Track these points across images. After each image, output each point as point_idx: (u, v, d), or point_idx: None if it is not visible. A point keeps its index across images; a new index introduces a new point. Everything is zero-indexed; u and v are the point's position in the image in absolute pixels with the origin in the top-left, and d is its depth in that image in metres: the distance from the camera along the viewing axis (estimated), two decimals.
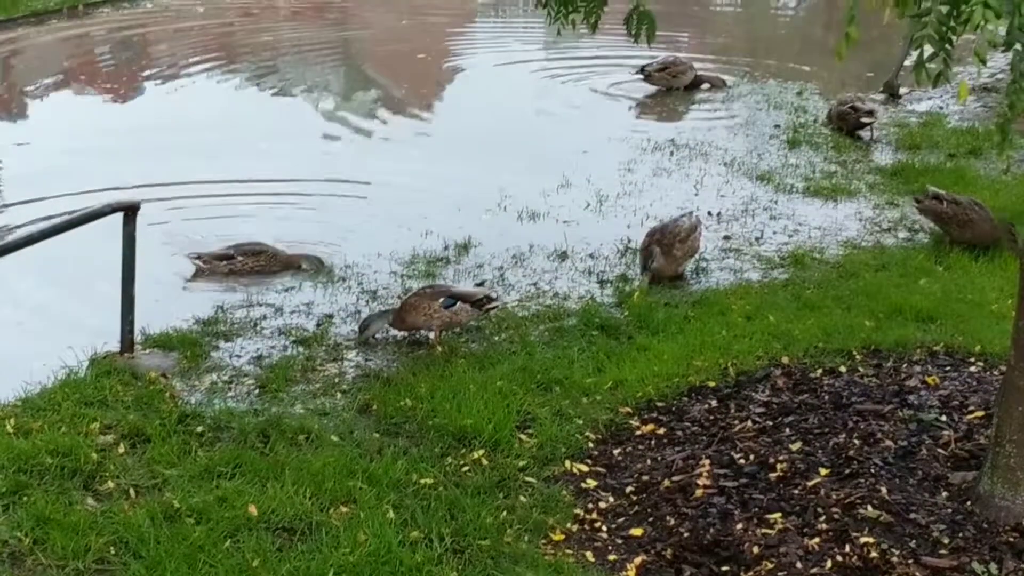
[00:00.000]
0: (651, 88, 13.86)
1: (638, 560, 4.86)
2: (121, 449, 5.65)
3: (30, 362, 6.65)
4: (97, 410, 5.98)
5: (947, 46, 4.06)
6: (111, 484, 5.36)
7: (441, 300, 6.97)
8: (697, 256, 8.28)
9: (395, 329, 7.14)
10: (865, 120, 11.48)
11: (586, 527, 5.13)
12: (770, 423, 5.85)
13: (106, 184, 9.54)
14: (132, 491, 5.32)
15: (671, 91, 13.69)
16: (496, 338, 7.14)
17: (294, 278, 8.13)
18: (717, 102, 13.42)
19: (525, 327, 7.27)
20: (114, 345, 6.76)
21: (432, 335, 7.08)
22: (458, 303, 7.00)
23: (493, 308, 7.20)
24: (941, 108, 12.74)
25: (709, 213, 9.47)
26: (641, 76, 13.72)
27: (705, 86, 13.89)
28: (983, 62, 4.17)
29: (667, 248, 7.97)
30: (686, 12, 20.27)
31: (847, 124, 11.59)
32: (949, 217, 8.51)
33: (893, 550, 4.72)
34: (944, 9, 4.00)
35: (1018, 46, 4.09)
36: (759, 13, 21.51)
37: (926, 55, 4.08)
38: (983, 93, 13.16)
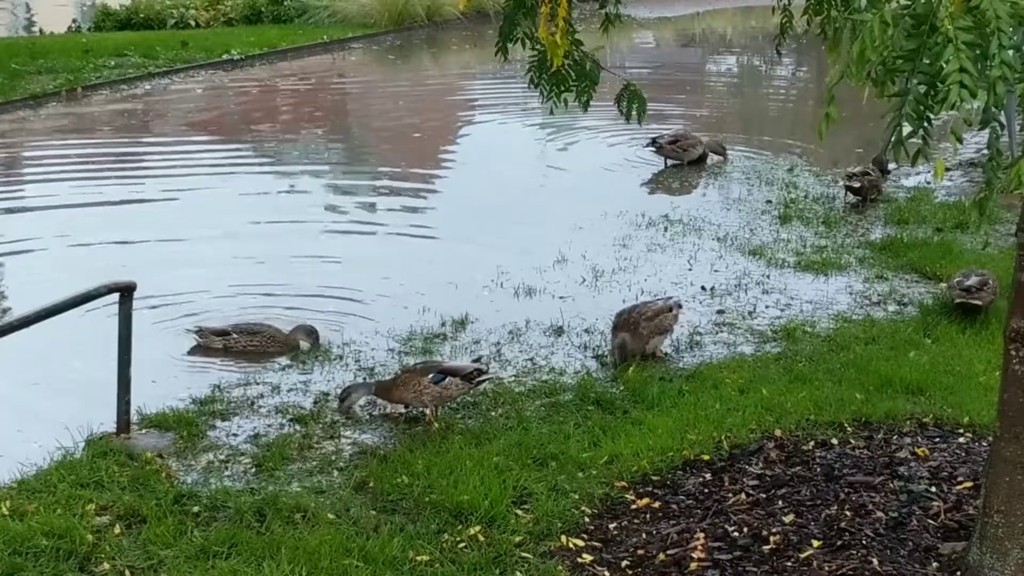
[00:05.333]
0: (645, 163, 14.07)
1: None
2: (117, 530, 5.67)
3: (26, 444, 6.71)
4: (93, 491, 6.01)
5: (925, 124, 4.16)
6: (106, 565, 5.38)
7: (430, 376, 7.03)
8: (675, 337, 8.30)
9: (381, 400, 7.20)
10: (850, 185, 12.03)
11: None
12: (763, 496, 5.89)
13: (103, 263, 9.66)
14: (128, 572, 5.34)
15: (681, 165, 13.86)
16: (492, 413, 7.19)
17: (293, 358, 8.18)
18: (710, 178, 13.58)
19: (521, 402, 7.32)
20: (110, 426, 6.81)
21: (427, 411, 7.13)
22: (447, 377, 7.06)
23: (483, 381, 7.26)
24: (928, 183, 12.90)
25: (703, 288, 9.57)
26: (652, 148, 13.94)
27: (714, 158, 14.08)
28: (960, 140, 4.26)
29: (632, 326, 8.00)
30: (679, 89, 20.57)
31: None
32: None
33: None
34: (921, 89, 4.10)
35: (995, 124, 4.20)
36: (751, 90, 21.80)
37: (904, 133, 4.19)
38: (968, 168, 13.34)
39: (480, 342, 8.43)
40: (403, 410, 7.23)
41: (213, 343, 8.33)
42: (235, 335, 8.34)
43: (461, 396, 7.18)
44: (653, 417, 6.94)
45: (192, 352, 8.36)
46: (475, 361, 8.00)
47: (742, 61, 24.94)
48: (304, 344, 8.30)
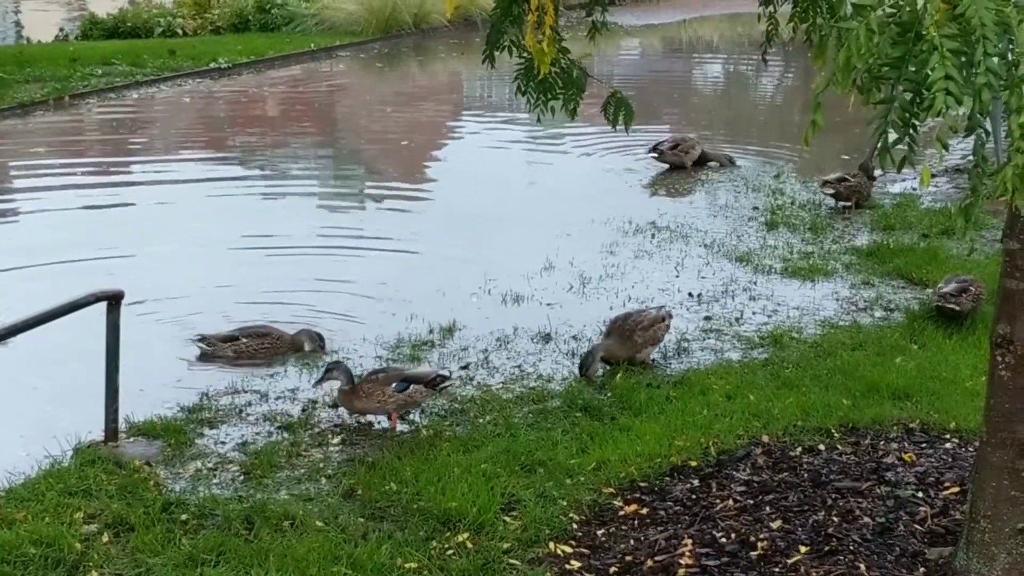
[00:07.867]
0: (631, 169, 14.12)
1: None
2: (105, 538, 5.66)
3: (14, 452, 6.68)
4: (81, 499, 6.00)
5: (911, 131, 4.18)
6: (95, 574, 5.36)
7: (394, 385, 7.04)
8: (663, 344, 8.31)
9: (345, 409, 7.19)
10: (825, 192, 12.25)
11: None
12: (751, 502, 5.90)
13: (91, 271, 9.63)
14: None
15: (676, 169, 13.91)
16: (480, 420, 7.19)
17: (295, 362, 8.18)
18: (697, 185, 13.61)
19: (509, 409, 7.33)
20: (98, 434, 6.79)
21: (389, 421, 7.12)
22: (411, 386, 7.07)
23: (447, 386, 7.29)
24: (914, 189, 12.98)
25: (690, 294, 9.59)
26: (654, 156, 14.06)
27: (713, 164, 14.14)
28: (945, 147, 4.28)
29: (628, 333, 8.01)
30: (666, 96, 20.63)
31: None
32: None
33: None
34: (907, 96, 4.12)
35: (980, 131, 4.22)
36: (737, 97, 21.87)
37: (890, 140, 4.21)
38: (955, 174, 13.40)
39: (468, 349, 8.44)
40: (366, 418, 7.21)
41: (222, 351, 8.30)
42: (244, 339, 8.34)
43: (424, 401, 7.19)
44: (641, 423, 6.95)
45: (181, 359, 8.35)
46: (463, 368, 8.02)
47: (728, 68, 25.01)
48: (308, 346, 8.32)
